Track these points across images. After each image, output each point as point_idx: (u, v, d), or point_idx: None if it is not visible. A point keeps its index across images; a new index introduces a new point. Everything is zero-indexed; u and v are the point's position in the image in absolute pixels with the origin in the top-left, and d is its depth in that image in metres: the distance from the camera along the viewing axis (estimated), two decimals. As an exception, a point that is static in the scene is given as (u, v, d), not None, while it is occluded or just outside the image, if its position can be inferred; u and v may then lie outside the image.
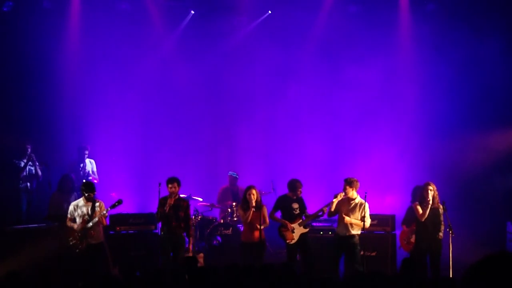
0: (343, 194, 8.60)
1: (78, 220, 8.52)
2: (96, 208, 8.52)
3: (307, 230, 8.88)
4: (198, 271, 5.88)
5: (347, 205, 8.62)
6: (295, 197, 8.91)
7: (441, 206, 8.49)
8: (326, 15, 12.23)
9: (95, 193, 8.64)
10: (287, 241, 8.79)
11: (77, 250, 8.46)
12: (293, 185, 8.89)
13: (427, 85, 12.06)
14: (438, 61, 11.86)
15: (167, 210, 8.64)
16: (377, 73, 12.03)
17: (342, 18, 12.13)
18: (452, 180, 10.86)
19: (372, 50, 11.93)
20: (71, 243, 8.49)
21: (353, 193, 8.62)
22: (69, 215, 8.63)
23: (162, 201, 8.77)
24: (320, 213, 8.78)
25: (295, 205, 8.87)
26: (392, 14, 12.03)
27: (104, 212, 8.52)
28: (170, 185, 8.74)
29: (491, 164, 11.35)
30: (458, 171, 11.35)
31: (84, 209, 8.53)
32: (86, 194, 8.52)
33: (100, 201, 8.68)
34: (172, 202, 8.70)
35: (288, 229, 8.77)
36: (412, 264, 6.00)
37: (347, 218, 8.53)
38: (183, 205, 8.87)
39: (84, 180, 10.98)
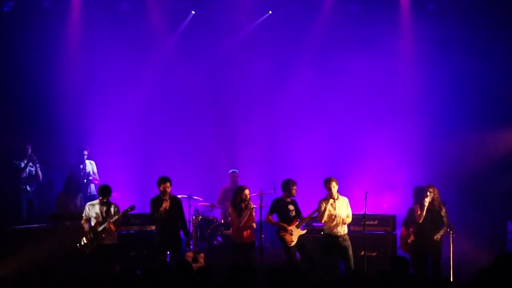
0: (332, 195, 8.56)
1: (93, 221, 8.55)
2: (111, 211, 8.54)
3: (305, 231, 8.83)
4: (192, 275, 5.85)
5: (333, 205, 8.59)
6: (289, 199, 8.86)
7: (443, 209, 8.47)
8: (327, 15, 12.24)
9: (109, 196, 8.64)
10: (287, 244, 8.70)
11: (87, 251, 8.46)
12: (287, 184, 8.79)
13: (427, 85, 12.06)
14: (439, 61, 11.86)
15: (163, 215, 8.45)
16: (377, 72, 12.03)
17: (342, 17, 12.15)
18: (452, 180, 10.85)
19: (372, 50, 11.92)
20: (82, 243, 8.49)
21: (336, 191, 8.61)
22: (84, 216, 8.66)
23: (155, 202, 8.58)
24: (315, 215, 8.73)
25: (291, 207, 8.81)
26: (392, 14, 12.04)
27: (117, 217, 8.50)
28: (163, 185, 8.53)
29: (491, 164, 11.35)
30: (459, 170, 11.34)
31: (99, 211, 8.55)
32: (100, 197, 8.56)
33: (115, 204, 8.67)
34: (168, 205, 8.49)
35: (286, 232, 8.71)
36: (401, 263, 5.97)
37: (347, 221, 8.54)
38: (176, 203, 8.70)
39: (85, 180, 10.99)
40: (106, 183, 8.89)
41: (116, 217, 8.49)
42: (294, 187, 8.80)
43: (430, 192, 8.47)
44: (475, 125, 11.50)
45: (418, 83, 12.12)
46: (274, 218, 8.89)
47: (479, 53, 11.46)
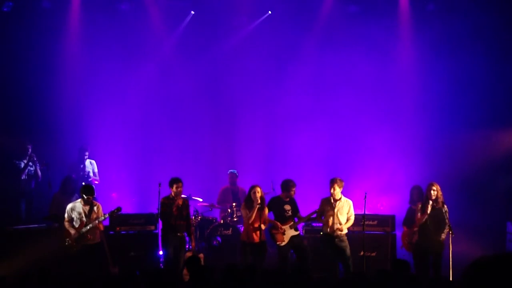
0: (331, 196, 8.63)
1: (75, 222, 8.50)
2: (95, 211, 8.51)
3: (298, 232, 8.84)
4: (201, 270, 5.90)
5: (332, 205, 8.62)
6: (287, 199, 8.87)
7: (445, 207, 8.46)
8: (326, 15, 12.24)
9: (94, 195, 8.62)
10: (277, 243, 8.73)
11: (72, 251, 8.42)
12: (286, 185, 8.85)
13: (427, 85, 12.07)
14: (438, 61, 11.87)
15: (175, 212, 8.63)
16: (377, 72, 12.04)
17: (342, 18, 12.15)
18: (452, 180, 10.84)
19: (372, 50, 11.94)
20: (66, 244, 8.47)
21: (338, 192, 8.63)
22: (66, 217, 8.58)
23: (166, 202, 8.72)
24: (314, 216, 8.78)
25: (287, 207, 8.83)
26: (392, 14, 12.04)
27: (102, 218, 8.50)
28: (176, 185, 8.73)
29: (491, 164, 11.35)
30: (458, 171, 11.34)
31: (82, 211, 8.49)
32: (86, 197, 8.47)
33: (98, 204, 8.64)
34: (181, 203, 8.73)
35: (278, 231, 8.72)
36: (402, 265, 5.97)
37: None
38: (185, 204, 8.90)
39: (83, 183, 10.98)
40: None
41: (102, 218, 8.49)
42: (293, 189, 8.83)
43: (434, 190, 8.44)
44: (475, 125, 11.50)
45: (417, 83, 12.13)
46: (270, 216, 8.91)
47: (479, 53, 11.46)
